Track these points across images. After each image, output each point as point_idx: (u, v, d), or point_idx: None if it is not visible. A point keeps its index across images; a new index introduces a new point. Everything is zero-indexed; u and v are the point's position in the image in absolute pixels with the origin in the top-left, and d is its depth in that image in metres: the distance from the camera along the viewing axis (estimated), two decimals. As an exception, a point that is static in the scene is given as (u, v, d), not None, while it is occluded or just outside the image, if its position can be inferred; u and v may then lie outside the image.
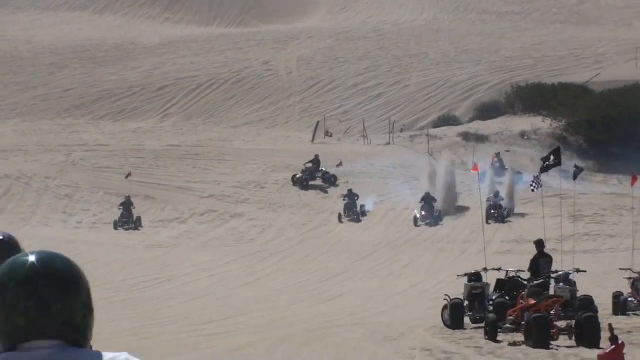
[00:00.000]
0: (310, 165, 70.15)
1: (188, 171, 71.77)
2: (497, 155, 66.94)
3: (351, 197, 61.97)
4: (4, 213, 64.50)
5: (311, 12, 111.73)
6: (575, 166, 61.28)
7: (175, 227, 64.25)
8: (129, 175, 69.82)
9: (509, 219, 56.76)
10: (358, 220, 60.65)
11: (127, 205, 64.06)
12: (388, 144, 77.23)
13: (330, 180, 70.10)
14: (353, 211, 62.09)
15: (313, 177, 70.48)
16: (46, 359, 6.62)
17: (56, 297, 5.39)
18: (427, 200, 56.29)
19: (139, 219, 63.92)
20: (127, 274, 47.52)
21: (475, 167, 34.25)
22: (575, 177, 47.99)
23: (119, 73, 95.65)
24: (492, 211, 58.93)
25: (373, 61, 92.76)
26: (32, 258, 5.71)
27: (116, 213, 64.75)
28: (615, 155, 71.08)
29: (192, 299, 39.72)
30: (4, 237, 13.35)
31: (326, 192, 67.44)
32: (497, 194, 60.03)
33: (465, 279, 31.48)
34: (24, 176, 69.15)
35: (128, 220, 63.74)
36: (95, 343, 16.25)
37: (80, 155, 73.83)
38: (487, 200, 58.99)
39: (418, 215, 55.95)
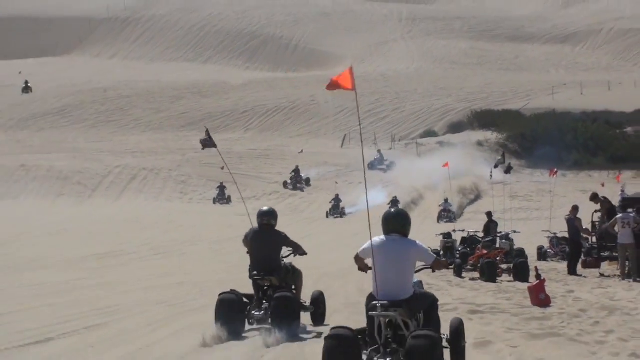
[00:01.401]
0: (294, 174, 69.01)
1: (261, 166, 71.99)
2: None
3: (337, 200, 60.69)
4: (142, 193, 64.59)
5: (340, 63, 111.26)
6: (503, 162, 61.11)
7: (253, 203, 64.14)
8: (222, 168, 70.20)
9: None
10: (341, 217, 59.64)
11: (221, 187, 64.31)
12: (390, 149, 77.59)
13: (308, 183, 69.05)
14: (337, 211, 59.89)
15: (298, 181, 68.90)
16: (395, 239, 11.70)
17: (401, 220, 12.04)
18: (394, 203, 54.39)
19: (229, 197, 64.09)
20: (221, 233, 47.31)
21: (446, 164, 33.75)
22: (507, 172, 47.87)
23: (217, 102, 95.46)
24: (443, 213, 55.95)
25: (381, 95, 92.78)
26: (393, 210, 12.43)
27: (214, 193, 64.95)
28: (538, 156, 70.68)
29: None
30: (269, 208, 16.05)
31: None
32: (446, 200, 56.07)
33: (441, 237, 31.49)
34: (155, 168, 69.19)
35: (222, 197, 63.92)
36: (206, 275, 16.21)
37: (192, 156, 73.75)
38: (439, 206, 56.93)
39: None
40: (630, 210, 27.16)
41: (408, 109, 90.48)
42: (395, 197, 58.00)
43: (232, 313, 14.48)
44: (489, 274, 25.46)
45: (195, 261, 33.94)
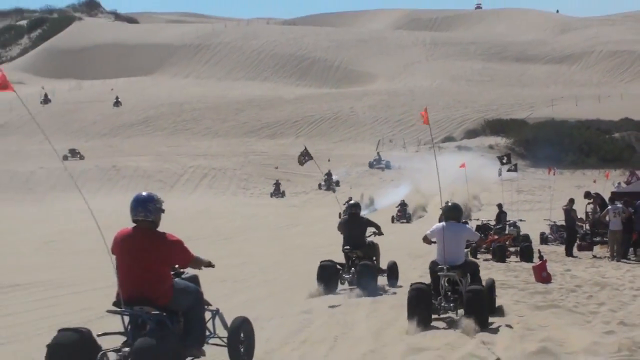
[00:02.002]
0: (326, 177, 65.74)
1: (310, 166, 71.83)
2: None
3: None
4: (212, 188, 64.92)
5: (375, 80, 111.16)
6: (509, 162, 60.79)
7: (303, 196, 64.38)
8: (277, 167, 70.50)
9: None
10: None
11: (277, 184, 64.46)
12: (417, 151, 77.44)
13: (337, 184, 65.70)
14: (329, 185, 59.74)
15: (330, 183, 64.83)
16: (453, 224, 14.29)
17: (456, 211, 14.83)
18: (402, 205, 52.27)
19: (283, 191, 64.22)
20: (277, 221, 47.45)
21: (463, 164, 33.42)
22: (510, 170, 47.63)
23: (272, 113, 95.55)
24: (399, 214, 51.46)
25: (409, 107, 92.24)
26: (451, 204, 15.22)
27: (271, 188, 64.97)
28: (540, 157, 70.07)
29: (312, 235, 39.59)
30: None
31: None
32: (403, 202, 52.48)
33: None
34: (222, 168, 69.45)
35: (277, 192, 63.97)
36: (265, 257, 16.15)
37: (252, 158, 73.99)
38: (396, 207, 52.21)
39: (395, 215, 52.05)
40: (617, 202, 27.39)
41: (431, 118, 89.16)
42: (403, 200, 54.07)
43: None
44: (500, 256, 25.39)
45: (256, 245, 34.05)
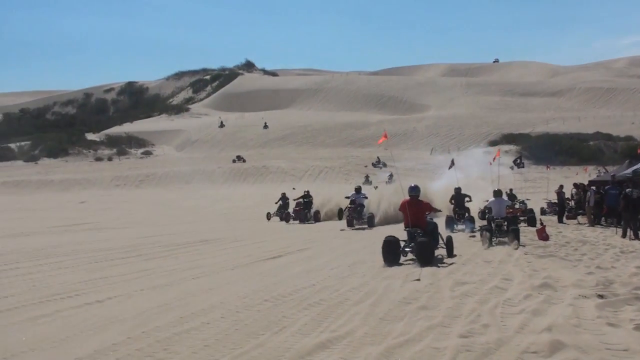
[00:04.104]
0: (390, 174, 57.33)
1: (388, 164, 70.97)
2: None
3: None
4: (325, 180, 64.55)
5: (429, 109, 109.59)
6: (520, 162, 58.97)
7: (381, 184, 63.61)
8: (366, 166, 69.51)
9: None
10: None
11: (367, 176, 62.90)
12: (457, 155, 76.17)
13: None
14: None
15: (391, 177, 54.77)
16: (500, 198, 19.61)
17: (500, 192, 20.26)
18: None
19: (371, 181, 62.90)
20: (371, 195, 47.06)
21: (497, 153, 31.98)
22: (518, 166, 46.11)
23: (363, 132, 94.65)
24: (351, 206, 30.95)
25: (451, 127, 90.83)
26: (497, 189, 20.51)
27: (363, 179, 64.03)
28: (540, 158, 68.16)
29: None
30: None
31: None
32: (358, 189, 31.06)
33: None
34: (332, 167, 69.15)
35: (367, 182, 61.49)
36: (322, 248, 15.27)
37: (351, 160, 73.52)
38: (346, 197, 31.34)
39: None
40: (592, 187, 26.81)
41: (466, 133, 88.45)
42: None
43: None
44: (514, 223, 24.87)
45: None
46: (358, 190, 28.58)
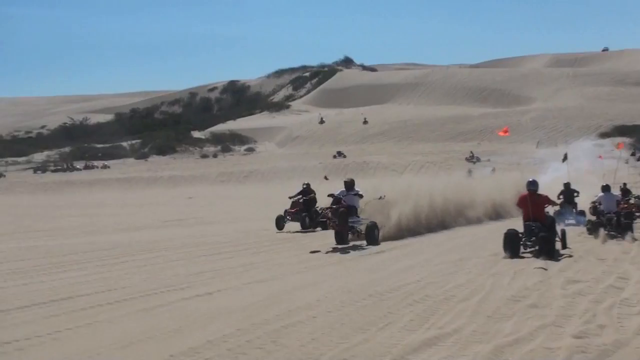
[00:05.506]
0: (493, 168, 52.77)
1: (494, 157, 68.91)
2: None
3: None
4: (426, 174, 63.98)
5: (535, 102, 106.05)
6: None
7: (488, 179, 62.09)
8: (467, 160, 67.86)
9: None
10: None
11: (469, 171, 61.30)
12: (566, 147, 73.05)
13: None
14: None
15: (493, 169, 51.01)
16: (605, 194, 18.60)
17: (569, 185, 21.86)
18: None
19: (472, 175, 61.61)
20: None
21: (620, 145, 29.26)
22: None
23: (464, 126, 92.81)
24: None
25: (559, 119, 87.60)
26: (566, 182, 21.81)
27: (466, 173, 62.55)
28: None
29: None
30: (533, 179, 15.30)
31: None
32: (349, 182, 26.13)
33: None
34: (433, 161, 68.48)
35: (469, 175, 60.58)
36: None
37: (452, 155, 72.52)
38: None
39: None
40: None
41: (574, 125, 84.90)
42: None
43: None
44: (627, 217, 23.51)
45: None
46: (349, 185, 18.41)
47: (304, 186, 23.43)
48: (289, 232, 21.60)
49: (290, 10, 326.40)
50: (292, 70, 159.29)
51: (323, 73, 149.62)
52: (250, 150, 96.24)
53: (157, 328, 8.63)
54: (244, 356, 7.33)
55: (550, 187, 27.00)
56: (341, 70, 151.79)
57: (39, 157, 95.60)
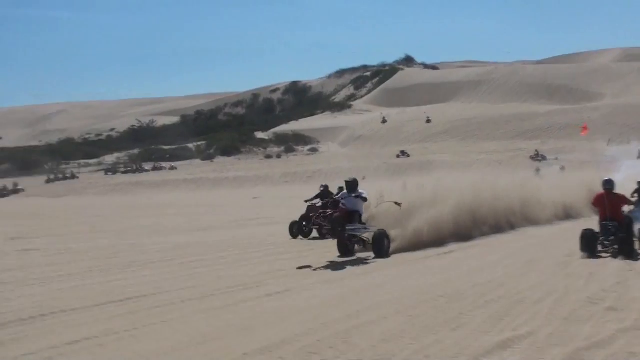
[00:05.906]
0: (562, 166, 49.04)
1: (561, 154, 67.17)
2: None
3: None
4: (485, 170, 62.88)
5: (603, 98, 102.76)
6: None
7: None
8: (534, 158, 66.35)
9: None
10: None
11: (537, 169, 59.71)
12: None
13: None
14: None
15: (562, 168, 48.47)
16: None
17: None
18: None
19: (540, 172, 59.99)
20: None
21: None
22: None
23: (530, 123, 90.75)
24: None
25: (630, 116, 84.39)
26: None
27: (528, 171, 61.20)
28: None
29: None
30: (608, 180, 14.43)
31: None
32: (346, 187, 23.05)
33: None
34: (499, 160, 67.13)
35: (537, 174, 59.48)
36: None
37: (519, 153, 71.14)
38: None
39: None
40: None
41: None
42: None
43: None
44: None
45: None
46: (352, 186, 15.37)
47: (322, 188, 20.89)
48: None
49: (351, 11, 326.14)
50: (353, 70, 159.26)
51: (384, 72, 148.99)
52: (314, 150, 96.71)
53: (229, 326, 8.76)
54: (316, 355, 7.36)
55: (623, 186, 26.10)
56: (402, 69, 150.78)
57: (109, 159, 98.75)
